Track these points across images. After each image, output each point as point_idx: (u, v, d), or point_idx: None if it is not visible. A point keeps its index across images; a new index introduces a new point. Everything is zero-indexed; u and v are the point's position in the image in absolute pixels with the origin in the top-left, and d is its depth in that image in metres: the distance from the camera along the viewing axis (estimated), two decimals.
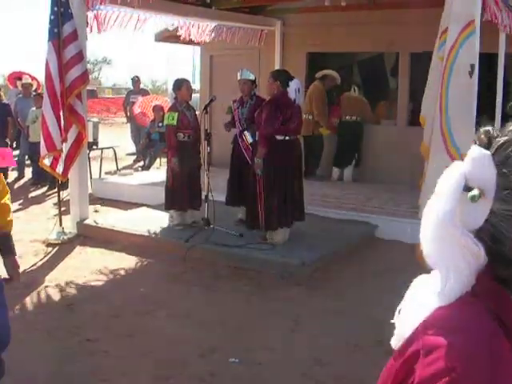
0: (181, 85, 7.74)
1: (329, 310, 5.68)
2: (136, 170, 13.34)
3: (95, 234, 7.87)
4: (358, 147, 11.14)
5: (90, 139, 10.67)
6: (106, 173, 12.60)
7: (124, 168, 13.53)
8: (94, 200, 9.94)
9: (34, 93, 12.26)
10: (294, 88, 7.12)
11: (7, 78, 16.57)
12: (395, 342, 1.19)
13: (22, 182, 12.24)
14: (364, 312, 5.60)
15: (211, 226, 7.60)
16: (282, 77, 7.20)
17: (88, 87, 8.69)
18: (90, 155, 10.96)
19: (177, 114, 7.57)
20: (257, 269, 6.64)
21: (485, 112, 8.80)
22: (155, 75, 55.73)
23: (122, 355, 4.68)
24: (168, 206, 7.88)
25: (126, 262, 7.00)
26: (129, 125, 16.37)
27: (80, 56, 7.66)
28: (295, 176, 7.21)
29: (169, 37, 12.21)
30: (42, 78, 11.78)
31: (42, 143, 7.56)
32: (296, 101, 7.13)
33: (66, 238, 7.65)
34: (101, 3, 7.63)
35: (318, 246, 7.20)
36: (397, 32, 10.14)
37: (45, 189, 11.31)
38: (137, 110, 15.05)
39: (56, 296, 5.92)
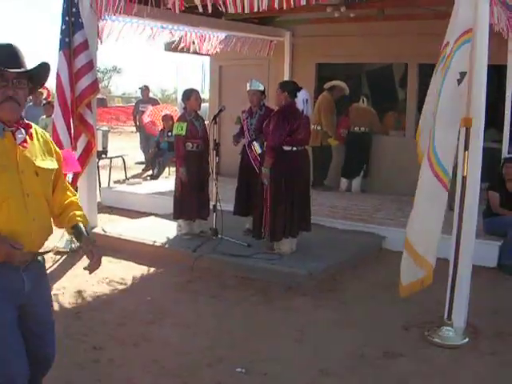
0: (190, 95, 7.78)
1: (335, 320, 5.68)
2: (145, 179, 13.37)
3: (103, 242, 7.88)
4: (366, 158, 11.16)
5: (100, 148, 10.73)
6: (115, 182, 12.65)
7: (133, 177, 13.58)
8: (103, 209, 9.99)
9: (44, 101, 12.34)
10: (301, 99, 7.13)
11: None
12: None
13: None
14: (370, 323, 5.61)
15: (219, 236, 7.63)
16: (290, 87, 7.23)
17: (98, 96, 8.73)
18: (99, 164, 11.02)
19: (186, 124, 7.61)
20: (264, 279, 6.65)
21: (493, 125, 8.82)
22: (165, 84, 55.95)
23: (128, 363, 4.69)
24: (176, 215, 7.91)
25: (133, 270, 7.03)
26: (138, 134, 16.43)
27: (90, 65, 7.72)
28: (302, 187, 7.22)
29: (178, 46, 12.27)
30: (52, 86, 11.88)
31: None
32: (304, 111, 7.15)
33: (74, 246, 7.67)
34: (111, 13, 7.68)
35: (325, 256, 7.21)
36: (405, 43, 10.18)
37: None
38: (146, 119, 15.10)
39: (64, 304, 5.94)
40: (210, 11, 6.40)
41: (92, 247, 3.13)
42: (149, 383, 4.41)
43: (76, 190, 8.63)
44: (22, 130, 2.95)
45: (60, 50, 7.59)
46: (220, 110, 7.88)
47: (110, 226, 8.69)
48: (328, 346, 5.10)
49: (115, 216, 9.88)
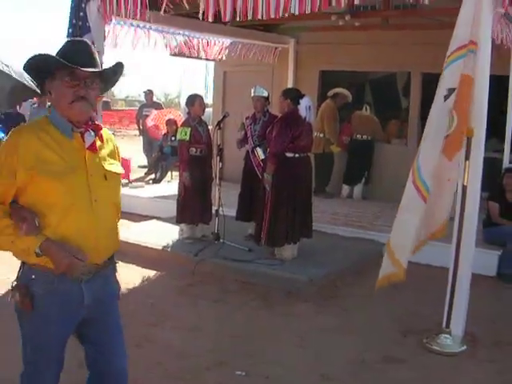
0: (194, 100, 7.85)
1: (335, 326, 5.73)
2: (147, 182, 13.43)
3: None
4: (368, 165, 11.21)
5: None
6: None
7: (135, 180, 13.64)
8: None
9: (49, 103, 12.37)
10: (304, 106, 7.19)
11: None
12: None
13: None
14: (370, 330, 5.66)
15: (221, 241, 7.68)
16: (293, 95, 7.29)
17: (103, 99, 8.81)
18: None
19: (189, 129, 7.68)
20: (265, 284, 6.70)
21: (495, 135, 8.88)
22: (168, 88, 56.06)
23: (132, 364, 4.73)
24: (179, 219, 7.97)
25: (135, 273, 7.07)
26: (141, 137, 16.49)
27: None
28: (304, 193, 7.28)
29: (183, 51, 12.34)
30: None
31: None
32: (307, 118, 7.21)
33: None
34: (120, 18, 7.74)
35: (326, 263, 7.26)
36: (409, 52, 10.23)
37: None
38: (150, 122, 15.17)
39: None
40: (211, 19, 6.44)
41: None
42: None
43: None
44: (92, 131, 2.80)
45: None
46: (224, 116, 7.94)
47: None
48: (329, 352, 5.15)
49: None
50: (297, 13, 5.80)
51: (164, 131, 14.19)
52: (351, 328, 5.71)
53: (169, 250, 7.70)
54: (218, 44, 11.25)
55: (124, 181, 13.03)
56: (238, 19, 6.21)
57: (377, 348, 5.24)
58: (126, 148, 17.51)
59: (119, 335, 3.08)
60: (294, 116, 7.13)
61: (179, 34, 10.20)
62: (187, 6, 6.70)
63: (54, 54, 2.72)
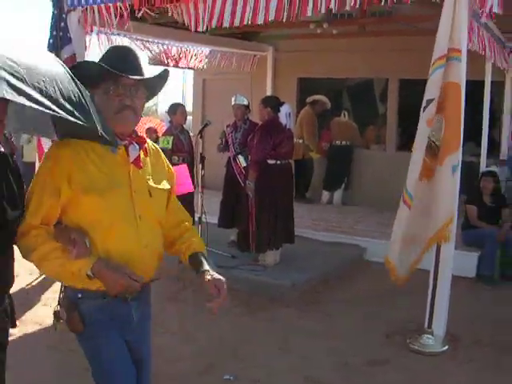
0: (176, 109, 7.93)
1: (318, 330, 5.82)
2: None
3: None
4: (347, 171, 11.30)
5: None
6: None
7: None
8: None
9: None
10: (284, 113, 7.31)
11: None
12: None
13: None
14: (353, 333, 5.76)
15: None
16: (273, 103, 7.39)
17: None
18: None
19: (172, 137, 7.75)
20: (248, 290, 6.75)
21: (471, 139, 9.03)
22: None
23: None
24: None
25: None
26: None
27: None
28: (286, 199, 7.37)
29: (162, 60, 12.38)
30: None
31: (37, 164, 7.66)
32: (287, 126, 7.31)
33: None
34: (101, 28, 7.77)
35: (308, 268, 7.34)
36: (386, 59, 10.34)
37: None
38: None
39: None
40: (193, 29, 6.49)
41: (216, 280, 2.77)
42: None
43: None
44: (136, 144, 2.61)
45: None
46: (205, 125, 7.99)
47: None
48: (313, 355, 5.24)
49: None
50: (272, 19, 5.85)
51: None
52: (334, 332, 5.80)
53: None
54: (198, 53, 11.32)
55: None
56: (212, 27, 6.26)
57: (360, 350, 5.34)
58: None
59: (148, 362, 2.99)
60: (274, 123, 7.22)
61: (158, 43, 10.27)
62: (153, 15, 6.74)
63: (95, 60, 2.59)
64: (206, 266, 2.82)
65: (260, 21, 5.93)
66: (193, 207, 7.95)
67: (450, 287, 5.45)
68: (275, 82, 12.03)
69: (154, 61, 12.17)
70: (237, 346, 5.38)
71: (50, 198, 2.49)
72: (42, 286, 6.89)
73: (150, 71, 2.66)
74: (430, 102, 5.13)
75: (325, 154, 11.37)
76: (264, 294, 6.65)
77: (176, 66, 11.40)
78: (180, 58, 11.03)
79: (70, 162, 2.49)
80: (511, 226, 7.75)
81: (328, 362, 5.11)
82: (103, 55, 2.60)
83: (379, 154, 11.17)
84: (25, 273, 7.18)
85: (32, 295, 6.59)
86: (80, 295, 2.58)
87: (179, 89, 26.92)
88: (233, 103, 8.00)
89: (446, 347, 5.35)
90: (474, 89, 8.82)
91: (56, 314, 2.68)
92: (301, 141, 11.02)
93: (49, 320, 5.79)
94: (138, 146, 2.61)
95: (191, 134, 8.50)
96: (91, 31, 7.76)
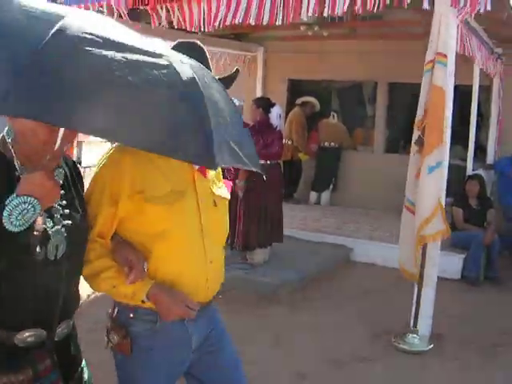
0: None
1: (307, 327, 5.91)
2: None
3: None
4: (335, 172, 11.35)
5: (74, 158, 10.76)
6: None
7: None
8: None
9: None
10: (275, 114, 7.39)
11: None
12: None
13: None
14: (341, 331, 5.85)
15: None
16: (264, 104, 7.47)
17: None
18: None
19: None
20: (237, 288, 6.80)
21: (458, 142, 9.15)
22: None
23: (110, 370, 4.82)
24: None
25: None
26: (109, 144, 16.43)
27: None
28: (275, 199, 7.44)
29: None
30: None
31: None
32: (278, 127, 7.40)
33: None
34: None
35: (297, 267, 7.41)
36: (376, 62, 10.39)
37: None
38: None
39: None
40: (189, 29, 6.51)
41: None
42: None
43: None
44: None
45: None
46: None
47: None
48: (303, 351, 5.34)
49: None
50: (266, 22, 5.90)
51: None
52: (323, 329, 5.89)
53: None
54: None
55: None
56: (202, 29, 6.31)
57: (348, 347, 5.43)
58: (95, 155, 17.43)
59: (235, 371, 2.75)
60: (265, 124, 7.30)
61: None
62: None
63: None
64: None
65: (252, 21, 5.97)
66: None
67: (435, 287, 5.55)
68: (265, 83, 12.05)
69: None
70: None
71: (107, 207, 2.31)
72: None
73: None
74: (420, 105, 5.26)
75: (313, 155, 11.40)
76: (253, 292, 6.71)
77: None
78: None
79: (135, 167, 2.30)
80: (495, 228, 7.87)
81: (317, 358, 5.20)
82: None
83: (367, 156, 11.25)
84: None
85: None
86: (132, 315, 2.40)
87: None
88: None
89: (431, 346, 5.45)
90: (461, 93, 8.95)
91: (108, 337, 2.49)
92: (290, 141, 11.06)
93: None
94: None
95: None
96: None
